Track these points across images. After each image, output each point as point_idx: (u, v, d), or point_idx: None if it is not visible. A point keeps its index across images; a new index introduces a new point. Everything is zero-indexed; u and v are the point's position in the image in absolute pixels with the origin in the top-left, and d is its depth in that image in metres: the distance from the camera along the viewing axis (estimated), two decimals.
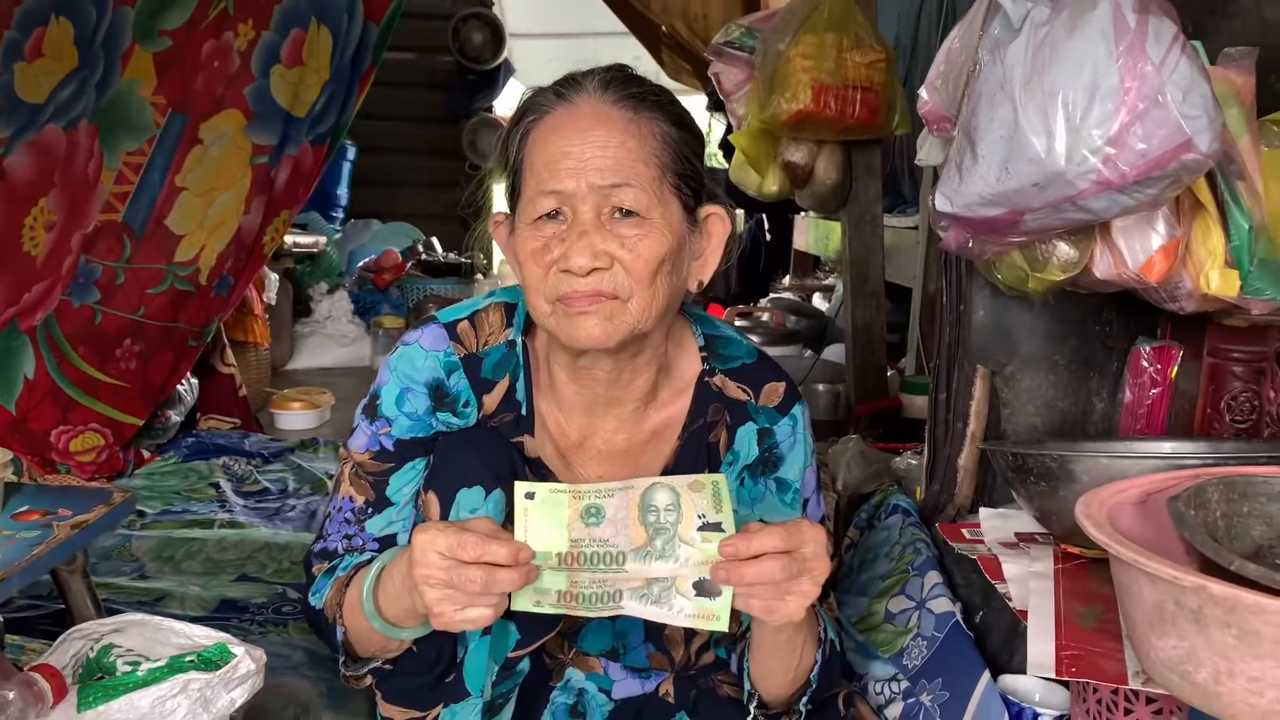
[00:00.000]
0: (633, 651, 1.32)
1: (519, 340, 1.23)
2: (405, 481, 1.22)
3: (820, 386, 3.23)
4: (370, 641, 1.14)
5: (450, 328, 1.22)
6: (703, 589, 0.99)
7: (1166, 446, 1.39)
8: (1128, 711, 1.12)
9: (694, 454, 1.25)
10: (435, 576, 0.94)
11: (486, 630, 1.12)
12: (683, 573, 0.99)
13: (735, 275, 4.89)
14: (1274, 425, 1.54)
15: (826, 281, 5.51)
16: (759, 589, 0.96)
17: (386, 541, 1.21)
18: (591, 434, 1.24)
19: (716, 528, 0.99)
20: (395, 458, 1.22)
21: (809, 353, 4.12)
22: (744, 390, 1.26)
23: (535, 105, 1.14)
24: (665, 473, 1.24)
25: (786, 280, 5.71)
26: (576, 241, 1.07)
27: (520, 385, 1.23)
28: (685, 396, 1.25)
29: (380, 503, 1.22)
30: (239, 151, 2.73)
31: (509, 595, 0.97)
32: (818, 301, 5.26)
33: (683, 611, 0.99)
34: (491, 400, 1.23)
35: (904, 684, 1.41)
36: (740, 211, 5.24)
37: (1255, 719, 0.90)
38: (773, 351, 4.13)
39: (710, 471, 1.22)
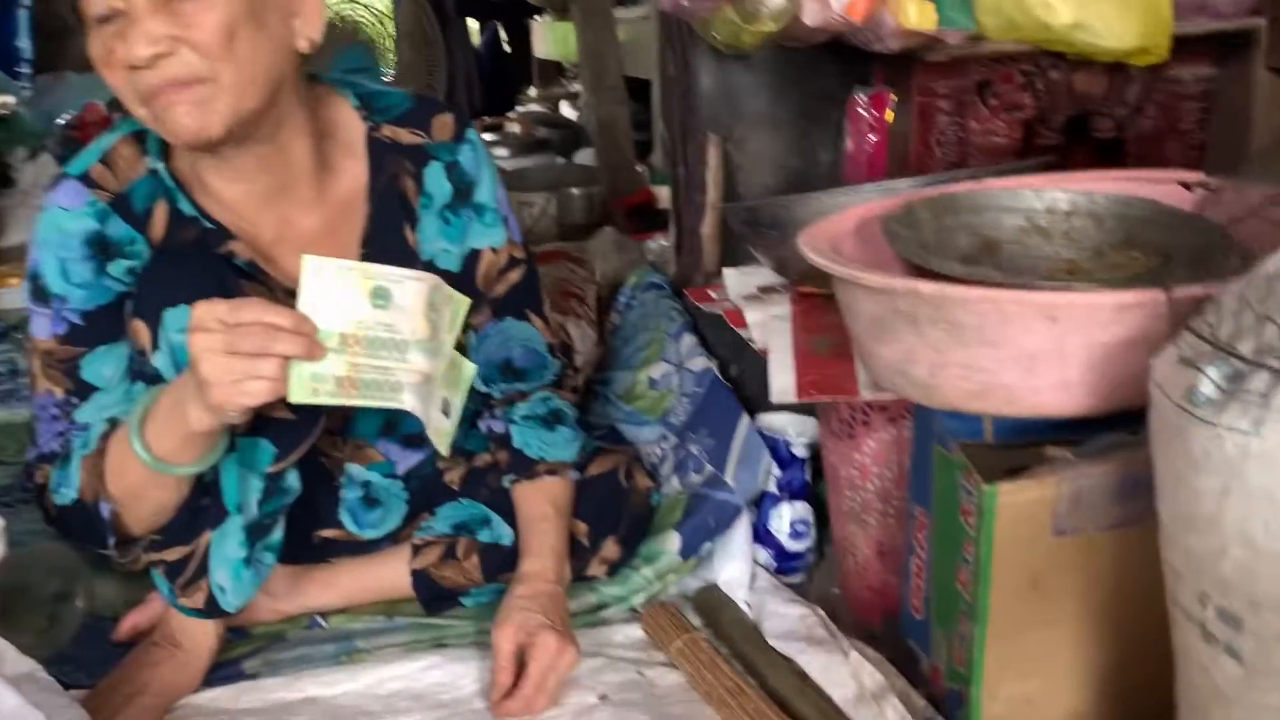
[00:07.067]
0: (405, 419, 1.32)
1: (160, 167, 1.17)
2: (105, 364, 1.15)
3: (575, 190, 3.22)
4: (146, 499, 1.10)
5: (84, 177, 1.15)
6: (444, 403, 1.03)
7: (883, 185, 1.46)
8: (865, 424, 1.22)
9: (387, 211, 1.26)
10: (213, 343, 0.92)
11: (233, 446, 1.09)
12: (438, 380, 1.02)
13: (477, 90, 4.72)
14: (978, 155, 1.65)
15: (572, 89, 5.42)
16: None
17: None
18: (284, 225, 1.22)
19: (441, 347, 1.03)
20: (86, 333, 1.15)
21: (561, 160, 4.09)
22: (416, 134, 1.27)
23: None
24: (365, 239, 1.24)
25: (533, 91, 5.59)
26: (130, 31, 1.01)
27: (183, 204, 1.18)
28: (361, 158, 1.25)
29: (82, 389, 1.15)
30: None
31: (287, 383, 0.95)
32: (565, 110, 5.19)
33: (432, 421, 1.03)
34: (156, 229, 1.17)
35: (672, 440, 1.48)
36: (474, 22, 5.04)
37: (966, 400, 1.00)
38: (524, 161, 4.08)
39: (409, 224, 1.26)
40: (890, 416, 1.19)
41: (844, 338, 1.24)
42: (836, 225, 1.16)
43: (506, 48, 5.38)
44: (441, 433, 1.04)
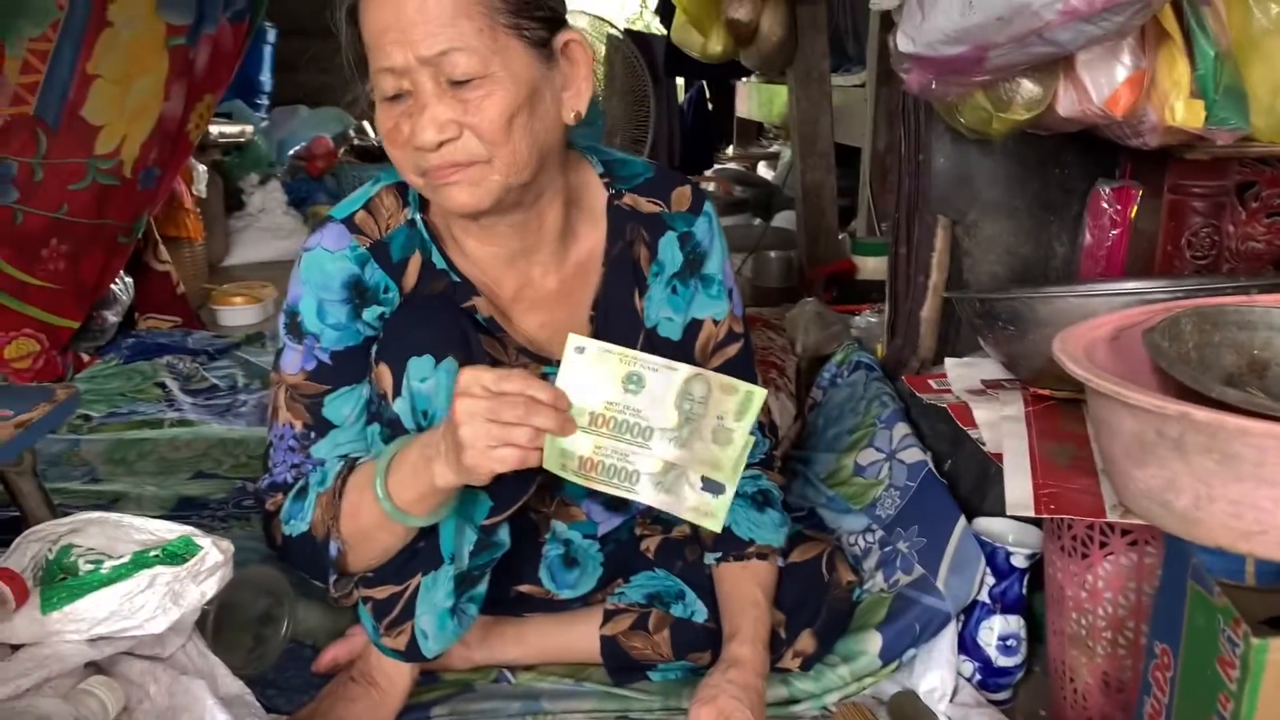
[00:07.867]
0: None
1: (418, 218, 1.21)
2: (346, 404, 1.19)
3: (772, 254, 3.21)
4: (374, 542, 1.13)
5: (348, 222, 1.19)
6: (709, 484, 1.01)
7: (1132, 284, 1.37)
8: (1103, 545, 1.13)
9: (619, 277, 1.28)
10: (477, 408, 0.95)
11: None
12: (694, 465, 1.01)
13: (678, 146, 4.78)
14: (1233, 260, 1.54)
15: (771, 149, 5.44)
16: None
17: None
18: (524, 284, 1.25)
19: (729, 435, 1.00)
20: (334, 372, 1.19)
21: (757, 220, 4.08)
22: (655, 203, 1.30)
23: None
24: (596, 303, 1.27)
25: (730, 150, 5.63)
26: (419, 117, 1.06)
27: (435, 256, 1.21)
28: (600, 224, 1.27)
29: (321, 425, 1.19)
30: (153, 33, 2.56)
31: (538, 454, 0.99)
32: (763, 170, 5.20)
33: (686, 503, 1.02)
34: (409, 279, 1.21)
35: (879, 534, 1.42)
36: (680, 80, 5.12)
37: (1234, 540, 0.91)
38: (721, 221, 4.10)
39: (639, 291, 1.28)
40: (1132, 540, 1.11)
41: (1085, 449, 1.16)
42: (1092, 331, 1.09)
43: (709, 106, 5.43)
44: (706, 511, 1.02)
